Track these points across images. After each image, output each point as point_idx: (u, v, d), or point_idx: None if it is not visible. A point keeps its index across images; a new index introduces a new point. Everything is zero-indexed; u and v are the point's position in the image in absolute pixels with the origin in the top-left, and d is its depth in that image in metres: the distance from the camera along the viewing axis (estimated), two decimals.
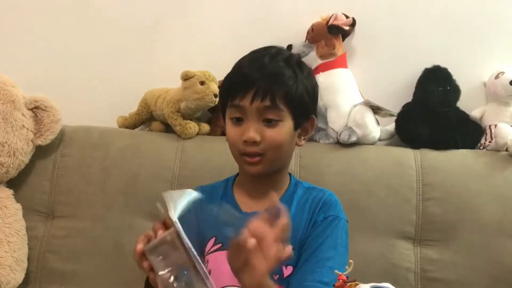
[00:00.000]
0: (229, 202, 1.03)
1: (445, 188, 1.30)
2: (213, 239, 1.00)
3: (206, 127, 1.46)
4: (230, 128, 0.99)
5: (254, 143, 0.95)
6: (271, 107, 0.94)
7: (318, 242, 0.95)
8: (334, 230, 0.97)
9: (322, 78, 1.42)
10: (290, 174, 1.09)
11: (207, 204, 0.99)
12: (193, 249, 0.75)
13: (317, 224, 0.98)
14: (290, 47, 1.47)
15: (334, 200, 1.03)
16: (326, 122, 1.43)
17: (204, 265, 0.77)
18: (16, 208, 1.36)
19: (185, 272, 0.76)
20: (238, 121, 0.98)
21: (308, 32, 1.47)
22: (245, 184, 1.06)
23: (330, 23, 1.42)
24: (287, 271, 0.95)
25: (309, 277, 0.91)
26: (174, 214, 0.76)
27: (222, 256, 0.92)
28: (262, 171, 0.99)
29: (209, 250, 1.00)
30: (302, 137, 1.05)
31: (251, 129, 0.95)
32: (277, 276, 0.94)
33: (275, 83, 0.95)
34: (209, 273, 0.83)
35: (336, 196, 1.04)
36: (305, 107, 1.00)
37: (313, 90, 1.03)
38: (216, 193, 1.07)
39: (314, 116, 1.05)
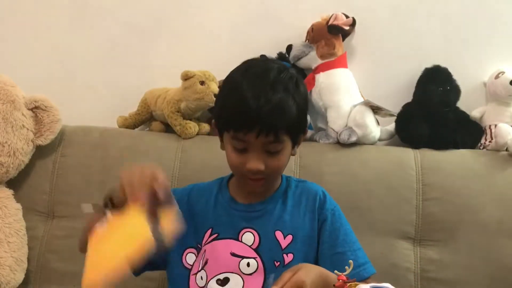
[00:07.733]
0: (224, 197, 1.08)
1: (445, 188, 1.30)
2: (210, 230, 1.04)
3: (206, 127, 1.46)
4: (233, 154, 1.00)
5: (258, 171, 0.98)
6: (275, 141, 0.96)
7: (339, 236, 1.04)
8: (341, 220, 1.07)
9: (322, 78, 1.42)
10: None
11: (201, 200, 1.09)
12: None
13: (327, 223, 1.05)
14: (290, 47, 1.48)
15: (325, 192, 1.10)
16: (326, 122, 1.43)
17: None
18: (16, 208, 1.36)
19: None
20: (242, 151, 0.99)
21: (308, 32, 1.47)
22: (241, 185, 1.10)
23: (330, 23, 1.42)
24: (288, 258, 1.00)
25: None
26: None
27: (218, 245, 1.01)
28: (264, 189, 1.05)
29: (206, 240, 1.03)
30: (296, 147, 1.07)
31: (256, 160, 0.97)
32: (278, 263, 0.99)
33: (279, 119, 0.95)
34: (206, 262, 0.99)
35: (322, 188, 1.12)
36: (303, 126, 1.04)
37: (306, 105, 1.04)
38: (211, 190, 1.11)
39: (306, 128, 1.09)
